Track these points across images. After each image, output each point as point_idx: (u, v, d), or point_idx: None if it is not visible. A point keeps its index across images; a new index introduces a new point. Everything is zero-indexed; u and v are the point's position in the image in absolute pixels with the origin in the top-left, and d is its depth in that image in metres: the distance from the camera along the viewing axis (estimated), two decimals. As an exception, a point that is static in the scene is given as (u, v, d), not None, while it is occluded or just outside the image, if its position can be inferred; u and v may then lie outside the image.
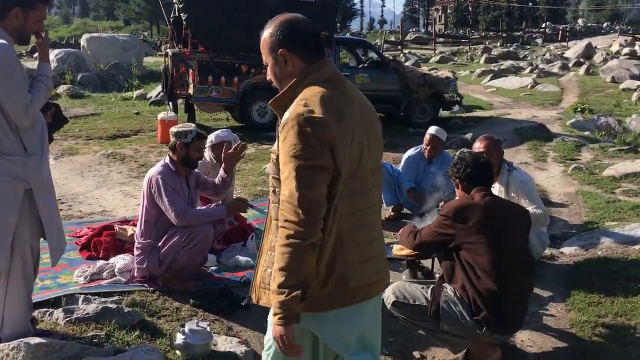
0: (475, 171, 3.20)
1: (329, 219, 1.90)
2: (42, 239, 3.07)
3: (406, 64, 16.05)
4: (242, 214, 4.91)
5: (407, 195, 5.77)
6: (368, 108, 2.07)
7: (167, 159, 4.02)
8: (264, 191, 6.69)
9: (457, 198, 3.37)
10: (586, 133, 10.48)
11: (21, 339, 2.77)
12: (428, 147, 5.66)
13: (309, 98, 1.93)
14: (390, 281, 4.26)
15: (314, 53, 2.05)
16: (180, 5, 9.40)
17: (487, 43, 38.90)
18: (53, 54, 17.37)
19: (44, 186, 2.99)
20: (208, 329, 3.29)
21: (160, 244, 3.87)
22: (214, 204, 4.32)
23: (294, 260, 1.83)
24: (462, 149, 3.83)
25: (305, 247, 1.82)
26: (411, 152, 5.88)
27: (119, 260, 4.15)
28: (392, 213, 5.93)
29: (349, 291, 1.97)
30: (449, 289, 3.12)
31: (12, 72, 2.77)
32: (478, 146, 4.22)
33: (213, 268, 4.43)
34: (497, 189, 4.29)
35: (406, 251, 3.92)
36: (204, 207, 4.15)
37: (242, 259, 4.53)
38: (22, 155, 2.85)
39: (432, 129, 5.78)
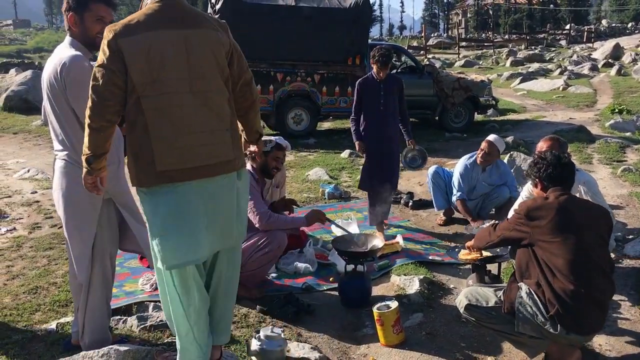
0: (557, 171, 3.18)
1: (132, 113, 2.44)
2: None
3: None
4: None
5: (456, 206, 5.71)
6: (199, 33, 2.49)
7: (249, 167, 4.09)
8: (310, 198, 6.70)
9: (533, 197, 3.34)
10: (627, 134, 10.30)
11: (111, 346, 2.78)
12: (482, 154, 5.58)
13: (133, 15, 2.49)
14: (453, 287, 4.29)
15: None
16: (217, 16, 9.47)
17: (510, 46, 38.57)
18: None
19: (124, 194, 3.02)
20: (282, 335, 3.28)
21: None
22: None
23: (87, 135, 2.44)
24: (541, 151, 3.80)
25: (90, 128, 2.42)
26: (465, 159, 5.77)
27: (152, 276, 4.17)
28: (443, 217, 5.89)
29: (158, 173, 2.44)
30: (523, 287, 3.07)
31: (86, 82, 2.79)
32: (542, 146, 4.16)
33: (273, 275, 4.44)
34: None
35: (472, 256, 3.89)
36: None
37: (300, 265, 4.52)
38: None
39: (491, 137, 5.69)
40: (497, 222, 3.48)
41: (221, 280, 2.78)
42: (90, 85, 2.40)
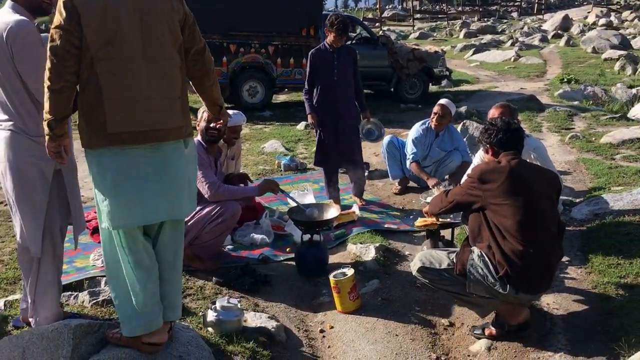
0: (507, 136, 3.26)
1: (84, 73, 2.43)
2: None
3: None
4: None
5: (410, 168, 5.76)
6: (153, 1, 2.50)
7: (199, 137, 4.04)
8: (266, 170, 6.67)
9: (485, 162, 3.41)
10: (575, 103, 10.56)
11: (61, 321, 2.72)
12: (436, 117, 5.64)
13: None
14: (409, 254, 4.36)
15: None
16: (166, -15, 9.20)
17: (464, 18, 38.91)
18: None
19: (70, 166, 2.93)
20: (239, 305, 3.28)
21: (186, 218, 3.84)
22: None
23: (47, 99, 2.42)
24: (493, 118, 3.85)
25: (50, 90, 2.40)
26: (418, 126, 5.85)
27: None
28: (398, 186, 5.95)
29: (109, 135, 2.45)
30: (475, 250, 3.15)
31: (33, 47, 2.70)
32: (493, 113, 4.23)
33: (229, 247, 4.41)
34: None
35: (428, 221, 3.94)
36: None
37: (257, 236, 4.51)
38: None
39: (442, 100, 5.79)
40: (450, 186, 3.54)
41: (165, 253, 2.74)
42: (49, 47, 2.39)
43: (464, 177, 4.55)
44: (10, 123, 2.78)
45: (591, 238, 4.35)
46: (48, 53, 2.39)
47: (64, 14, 2.38)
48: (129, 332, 2.62)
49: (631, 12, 35.01)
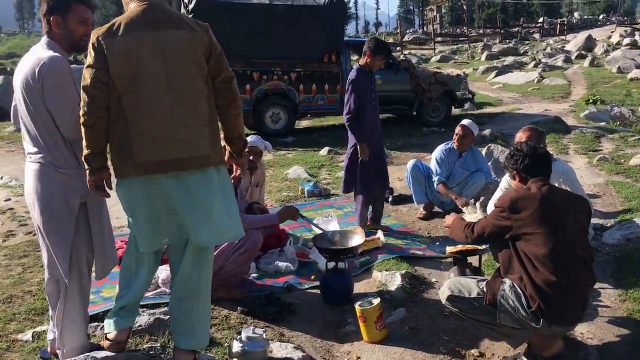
0: (533, 162, 3.17)
1: (113, 109, 2.60)
2: None
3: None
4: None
5: (437, 190, 5.70)
6: (175, 34, 2.63)
7: None
8: (289, 196, 6.66)
9: (513, 189, 3.33)
10: (602, 124, 10.42)
11: (87, 354, 2.72)
12: (457, 137, 5.64)
13: (117, 18, 2.67)
14: (435, 281, 4.28)
15: None
16: (191, 15, 9.37)
17: (485, 40, 38.89)
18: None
19: (98, 200, 2.96)
20: (264, 335, 3.24)
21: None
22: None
23: (83, 134, 2.62)
24: (518, 142, 3.80)
25: (84, 126, 2.60)
26: (442, 147, 5.85)
27: (162, 272, 4.10)
28: (423, 211, 5.89)
29: (137, 165, 2.62)
30: (506, 281, 3.07)
31: (65, 85, 2.75)
32: (520, 136, 4.17)
33: (254, 275, 4.39)
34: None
35: (460, 246, 3.89)
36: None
37: (281, 264, 4.48)
38: (76, 167, 2.82)
39: (464, 121, 5.80)
40: (477, 203, 3.45)
41: (186, 280, 2.86)
42: (81, 85, 2.59)
43: (490, 205, 4.49)
44: (40, 156, 2.83)
45: (624, 264, 4.24)
46: (81, 91, 2.59)
47: (93, 53, 2.58)
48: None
49: (656, 31, 34.61)
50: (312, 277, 4.35)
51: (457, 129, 5.70)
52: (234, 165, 3.13)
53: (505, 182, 4.38)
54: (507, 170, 3.37)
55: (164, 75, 2.61)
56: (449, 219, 3.61)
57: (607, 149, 8.27)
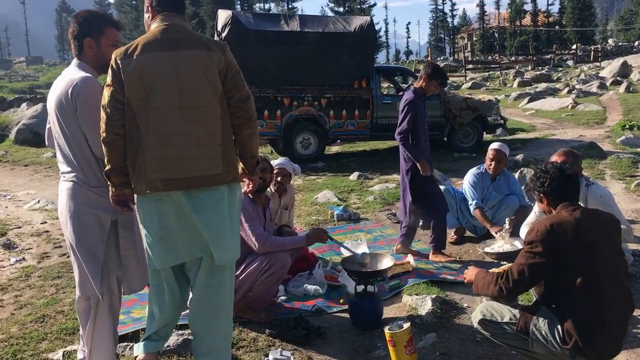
0: (562, 183, 3.03)
1: (129, 127, 2.67)
2: None
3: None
4: None
5: (473, 214, 5.61)
6: (190, 54, 2.68)
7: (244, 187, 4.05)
8: (319, 220, 6.64)
9: (543, 217, 3.20)
10: (639, 149, 10.18)
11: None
12: (492, 162, 5.56)
13: (136, 39, 2.74)
14: (467, 306, 4.19)
15: (161, 8, 2.79)
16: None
17: (517, 67, 38.63)
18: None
19: (128, 218, 2.99)
20: (292, 358, 3.20)
21: (237, 272, 3.83)
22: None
23: (104, 151, 2.72)
24: (545, 162, 3.68)
25: (104, 143, 2.70)
26: (474, 170, 5.77)
27: (191, 293, 4.10)
28: (454, 236, 5.80)
29: (148, 182, 2.68)
30: (541, 311, 2.97)
31: (96, 104, 2.81)
32: (556, 160, 4.08)
33: (282, 298, 4.36)
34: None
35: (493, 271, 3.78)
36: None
37: (310, 287, 4.45)
38: (107, 186, 2.85)
39: (494, 144, 5.70)
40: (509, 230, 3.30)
41: (201, 299, 2.88)
42: (101, 104, 2.69)
43: (523, 228, 4.39)
44: (73, 175, 2.88)
45: (665, 291, 4.07)
46: (101, 109, 2.68)
47: (111, 73, 2.69)
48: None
49: (694, 57, 33.93)
50: (341, 300, 4.31)
51: (490, 153, 5.62)
52: (246, 179, 3.18)
53: (537, 211, 4.29)
54: (532, 193, 3.21)
55: (177, 95, 2.67)
56: (470, 273, 3.33)
57: (646, 175, 8.07)
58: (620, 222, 3.99)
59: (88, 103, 2.81)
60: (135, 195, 2.81)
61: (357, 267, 4.03)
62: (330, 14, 63.01)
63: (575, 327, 2.77)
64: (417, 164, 5.06)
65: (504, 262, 4.36)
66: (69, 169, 2.92)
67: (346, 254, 4.27)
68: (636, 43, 60.19)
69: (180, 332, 3.63)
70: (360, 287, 3.98)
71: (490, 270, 3.25)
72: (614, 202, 4.22)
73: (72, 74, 2.91)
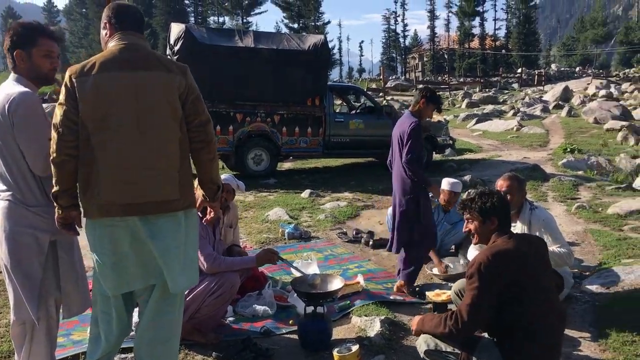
0: (504, 210, 3.10)
1: (82, 147, 2.56)
2: None
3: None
4: None
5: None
6: (151, 75, 2.60)
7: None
8: (269, 238, 6.59)
9: (479, 250, 3.27)
10: (579, 172, 10.58)
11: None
12: (445, 201, 5.74)
13: (94, 57, 2.66)
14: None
15: (119, 26, 2.71)
16: (175, 57, 9.44)
17: (466, 88, 39.70)
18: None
19: (68, 240, 2.89)
20: (239, 382, 3.14)
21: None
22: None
23: (53, 172, 2.60)
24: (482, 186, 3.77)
25: (53, 163, 2.58)
26: None
27: (135, 315, 3.99)
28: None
29: (100, 206, 2.57)
30: (482, 341, 3.02)
31: (35, 120, 2.72)
32: (501, 184, 4.19)
33: (231, 319, 4.29)
34: (518, 228, 4.25)
35: (445, 296, 3.84)
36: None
37: (259, 308, 4.39)
38: (46, 205, 2.76)
39: (447, 184, 5.78)
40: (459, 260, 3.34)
41: (150, 327, 2.76)
42: (52, 122, 2.57)
43: (470, 250, 4.48)
44: (9, 193, 2.76)
45: (604, 313, 4.22)
46: (52, 128, 2.56)
47: (64, 91, 2.57)
48: None
49: (630, 84, 35.66)
50: (291, 321, 4.27)
51: (444, 196, 5.72)
52: (208, 207, 3.08)
53: (473, 250, 4.38)
54: (466, 211, 3.16)
55: (135, 117, 2.57)
56: (415, 321, 3.26)
57: (585, 197, 8.37)
58: (562, 245, 4.15)
59: (26, 119, 2.69)
60: (84, 219, 2.68)
61: (307, 288, 4.01)
62: (284, 30, 63.39)
63: (516, 351, 2.83)
64: (431, 189, 4.94)
65: (451, 284, 4.44)
66: (4, 187, 2.79)
67: (297, 274, 4.24)
68: (577, 69, 62.97)
69: (123, 355, 3.52)
70: (310, 308, 3.96)
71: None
72: (556, 225, 4.35)
73: (9, 88, 2.78)
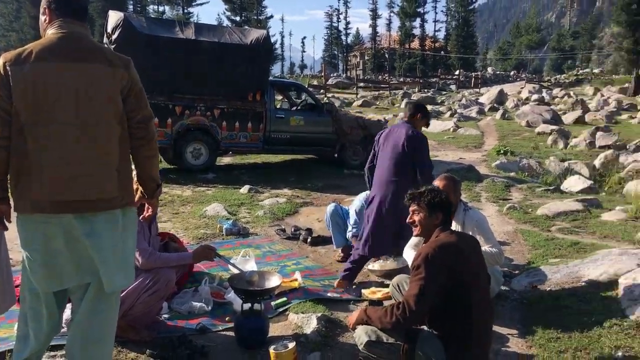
0: (448, 203, 3.27)
1: (15, 139, 2.43)
2: None
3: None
4: None
5: (350, 240, 5.79)
6: (92, 67, 2.50)
7: None
8: (206, 234, 6.51)
9: (415, 249, 3.41)
10: (511, 174, 10.98)
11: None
12: None
13: (30, 44, 2.53)
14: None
15: (60, 12, 2.58)
16: (113, 46, 9.16)
17: (405, 88, 40.43)
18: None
19: None
20: (174, 380, 3.10)
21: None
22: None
23: None
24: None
25: None
26: (363, 197, 5.90)
27: (66, 311, 3.85)
28: (341, 254, 5.91)
29: (33, 202, 2.44)
30: (423, 332, 3.10)
31: None
32: (438, 185, 4.29)
33: (166, 315, 4.21)
34: (452, 228, 4.36)
35: (381, 293, 3.90)
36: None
37: (195, 304, 4.33)
38: None
39: None
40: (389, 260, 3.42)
41: (85, 326, 2.66)
42: None
43: (406, 250, 4.57)
44: None
45: (531, 310, 4.39)
46: None
47: None
48: None
49: (561, 90, 37.34)
50: (227, 318, 4.23)
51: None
52: (145, 204, 3.01)
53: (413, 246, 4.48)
54: (414, 202, 3.33)
55: (74, 110, 2.46)
56: (355, 314, 3.39)
57: (516, 198, 8.69)
58: (493, 245, 4.29)
59: None
60: (14, 213, 2.56)
61: (244, 285, 3.99)
62: (227, 22, 62.60)
63: (456, 342, 2.94)
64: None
65: (388, 281, 4.52)
66: None
67: (234, 270, 4.21)
68: (512, 73, 65.23)
69: (52, 353, 3.40)
70: (247, 305, 3.94)
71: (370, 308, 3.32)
72: (488, 226, 4.49)
73: None
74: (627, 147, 14.38)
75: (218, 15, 75.28)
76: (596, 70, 59.62)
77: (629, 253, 5.04)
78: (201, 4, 66.25)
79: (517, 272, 5.28)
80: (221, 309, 4.42)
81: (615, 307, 4.13)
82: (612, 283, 4.50)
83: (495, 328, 3.91)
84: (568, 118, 21.56)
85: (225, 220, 6.89)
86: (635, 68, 39.60)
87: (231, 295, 4.35)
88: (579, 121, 20.96)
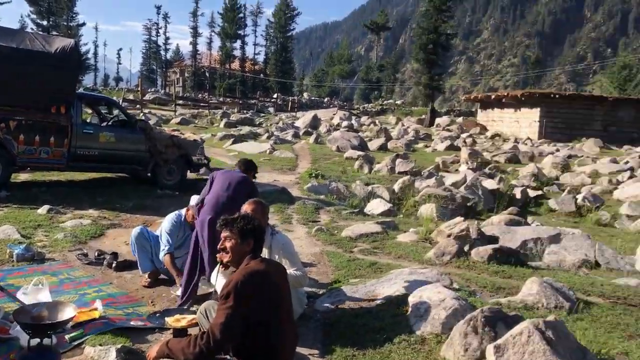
0: (260, 233, 3.32)
1: None
2: None
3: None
4: None
5: (163, 260, 5.62)
6: None
7: None
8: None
9: (223, 274, 3.42)
10: (321, 197, 11.48)
11: None
12: (192, 219, 5.70)
13: None
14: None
15: None
16: None
17: (225, 108, 40.52)
18: None
19: None
20: None
21: None
22: None
23: None
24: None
25: None
26: (173, 217, 5.81)
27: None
28: (148, 279, 5.68)
29: None
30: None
31: None
32: (246, 209, 4.33)
33: None
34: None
35: (186, 321, 3.82)
36: None
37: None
38: None
39: (193, 202, 5.81)
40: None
41: None
42: None
43: (214, 274, 4.53)
44: None
45: (332, 330, 4.59)
46: None
47: None
48: None
49: (368, 118, 40.20)
50: (11, 356, 3.82)
51: (190, 213, 5.79)
52: None
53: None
54: (226, 228, 3.33)
55: None
56: (155, 348, 3.25)
57: (324, 220, 9.11)
58: (298, 268, 4.46)
59: None
60: None
61: (30, 319, 3.64)
62: (32, 26, 57.60)
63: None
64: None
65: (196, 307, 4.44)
66: None
67: (26, 300, 3.83)
68: (326, 99, 68.90)
69: None
70: (35, 341, 3.59)
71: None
72: (294, 250, 4.65)
73: None
74: (422, 173, 15.85)
75: (22, 17, 68.71)
76: (399, 102, 65.27)
77: (418, 272, 5.54)
78: (2, 4, 60.08)
79: (321, 292, 5.51)
80: (5, 345, 3.98)
81: (404, 323, 4.48)
82: (404, 300, 4.90)
83: (298, 349, 4.02)
84: (373, 144, 23.18)
85: (16, 245, 6.25)
86: (430, 101, 44.32)
87: (18, 329, 3.94)
88: (382, 148, 22.65)
